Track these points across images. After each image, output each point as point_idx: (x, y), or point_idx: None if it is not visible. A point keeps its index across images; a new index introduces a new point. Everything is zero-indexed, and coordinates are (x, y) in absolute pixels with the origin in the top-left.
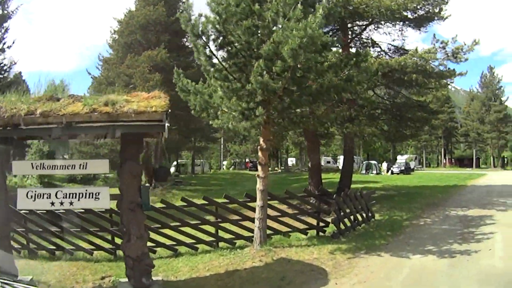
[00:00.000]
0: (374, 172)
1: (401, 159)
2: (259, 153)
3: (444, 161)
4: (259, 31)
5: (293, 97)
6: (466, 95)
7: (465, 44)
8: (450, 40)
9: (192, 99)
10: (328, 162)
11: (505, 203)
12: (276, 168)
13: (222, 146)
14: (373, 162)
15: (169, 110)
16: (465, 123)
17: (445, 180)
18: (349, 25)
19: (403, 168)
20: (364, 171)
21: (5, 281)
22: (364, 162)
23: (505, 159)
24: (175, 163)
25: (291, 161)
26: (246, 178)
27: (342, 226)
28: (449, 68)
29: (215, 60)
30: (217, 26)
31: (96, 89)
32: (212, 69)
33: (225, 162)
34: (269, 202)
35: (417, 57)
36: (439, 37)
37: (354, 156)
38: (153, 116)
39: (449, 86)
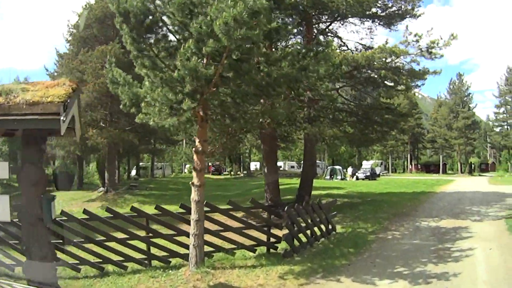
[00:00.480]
0: (339, 177)
1: (366, 164)
2: (194, 157)
3: (410, 167)
4: (196, 9)
5: (232, 87)
6: (432, 103)
7: (441, 38)
8: (425, 34)
9: (120, 91)
10: (292, 167)
11: (479, 212)
12: (238, 173)
13: (184, 148)
14: (337, 167)
15: (68, 101)
16: (432, 129)
17: (413, 187)
18: (313, 20)
19: (368, 173)
20: (328, 177)
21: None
22: (328, 167)
23: (472, 165)
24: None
25: (254, 165)
26: (206, 183)
27: (296, 243)
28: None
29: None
30: (146, 3)
31: None
32: (140, 56)
33: (188, 166)
34: (211, 214)
35: (387, 52)
36: None
37: (319, 161)
38: (48, 108)
39: (416, 93)
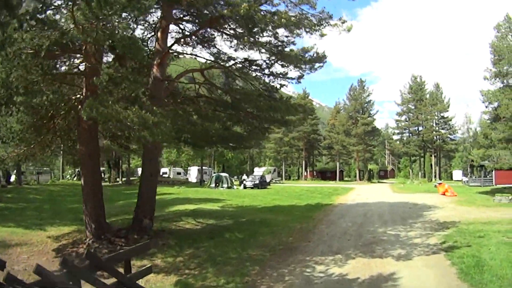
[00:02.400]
0: (225, 185)
1: (258, 171)
2: None
3: (306, 174)
4: None
5: None
6: (330, 112)
7: None
8: None
9: None
10: (179, 173)
11: (399, 237)
12: (117, 179)
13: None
14: (223, 174)
15: None
16: (329, 135)
17: (307, 197)
18: None
19: (257, 181)
20: (213, 185)
21: None
22: (213, 175)
23: (371, 171)
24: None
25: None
26: (75, 192)
27: None
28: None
29: None
30: None
31: None
32: None
33: (70, 171)
34: None
35: None
36: None
37: (206, 168)
38: None
39: (314, 102)
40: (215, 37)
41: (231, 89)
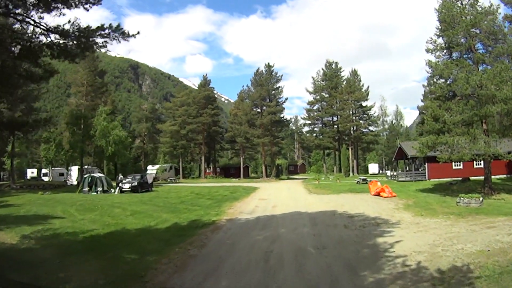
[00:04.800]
0: (100, 189)
1: (152, 169)
2: None
3: (208, 171)
4: None
5: None
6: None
7: None
8: None
9: None
10: (61, 174)
11: None
12: None
13: None
14: (98, 175)
15: None
16: (231, 127)
17: (187, 206)
18: None
19: (136, 183)
20: (86, 189)
21: None
22: (85, 176)
23: (280, 167)
24: None
25: (31, 172)
26: None
27: None
28: None
29: None
30: None
31: None
32: None
33: None
34: None
35: None
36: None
37: (90, 167)
38: None
39: (222, 98)
40: None
41: None
